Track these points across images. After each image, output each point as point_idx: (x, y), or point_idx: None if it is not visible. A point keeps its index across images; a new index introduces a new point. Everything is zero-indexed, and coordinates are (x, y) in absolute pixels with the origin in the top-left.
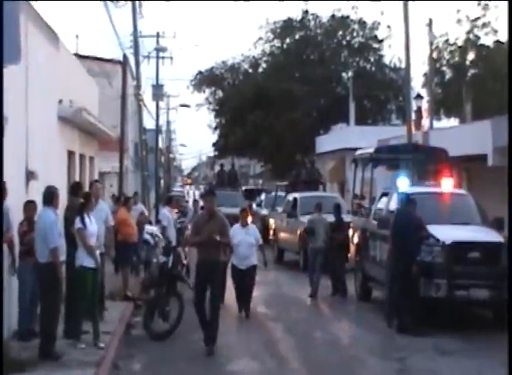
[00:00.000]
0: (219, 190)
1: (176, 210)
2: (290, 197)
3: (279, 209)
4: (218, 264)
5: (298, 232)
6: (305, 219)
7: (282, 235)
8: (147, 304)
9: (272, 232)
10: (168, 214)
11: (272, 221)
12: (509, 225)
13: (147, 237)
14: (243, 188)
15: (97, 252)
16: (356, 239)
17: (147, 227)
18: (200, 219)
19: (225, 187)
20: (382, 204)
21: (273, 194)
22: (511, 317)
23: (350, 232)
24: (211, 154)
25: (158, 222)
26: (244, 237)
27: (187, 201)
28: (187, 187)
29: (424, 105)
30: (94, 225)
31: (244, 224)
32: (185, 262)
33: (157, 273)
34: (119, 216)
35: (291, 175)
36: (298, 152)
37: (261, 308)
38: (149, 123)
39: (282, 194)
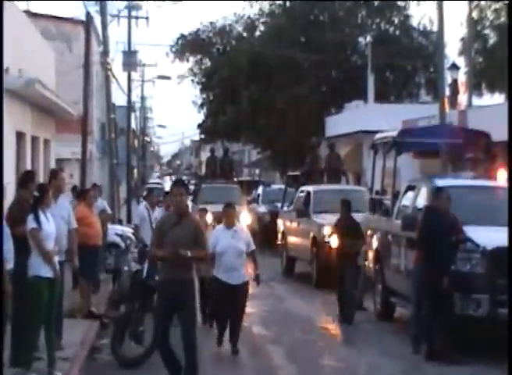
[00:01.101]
0: (210, 182)
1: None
2: (302, 191)
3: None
4: (188, 284)
5: (311, 235)
6: (320, 219)
7: (292, 240)
8: (115, 322)
9: (280, 236)
10: (143, 210)
11: (280, 222)
12: (509, 225)
13: (115, 239)
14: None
15: (56, 259)
16: (375, 243)
17: (117, 227)
18: (166, 221)
19: (216, 178)
20: (407, 200)
21: (273, 187)
22: (511, 319)
23: (368, 234)
24: (197, 137)
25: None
26: (231, 243)
27: (167, 194)
28: (167, 178)
29: (462, 77)
30: (52, 225)
31: (230, 225)
32: None
33: (128, 284)
34: (77, 213)
35: (305, 163)
36: (303, 136)
37: (258, 328)
38: (119, 98)
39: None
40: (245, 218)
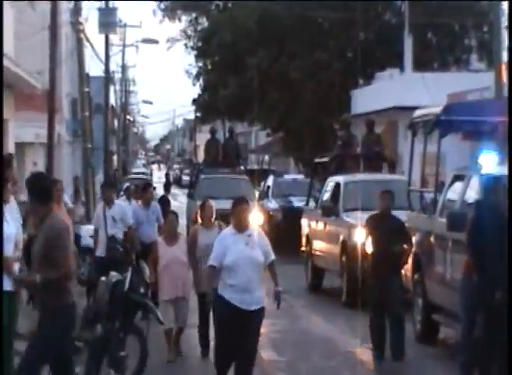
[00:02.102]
0: (211, 172)
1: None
2: (330, 182)
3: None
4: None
5: (340, 240)
6: (351, 218)
7: (318, 246)
8: (91, 346)
9: (304, 240)
10: (124, 206)
11: (304, 222)
12: (509, 223)
13: (90, 242)
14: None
15: (16, 268)
16: (414, 247)
17: (86, 228)
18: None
19: (219, 167)
20: (454, 193)
21: (286, 178)
22: (511, 318)
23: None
24: (191, 116)
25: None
26: (245, 252)
27: (155, 188)
28: (154, 166)
29: None
30: (11, 226)
31: (242, 228)
32: (149, 280)
33: (106, 299)
34: None
35: (336, 146)
36: (324, 113)
37: (268, 353)
38: (95, 68)
39: (298, 177)
40: (256, 217)
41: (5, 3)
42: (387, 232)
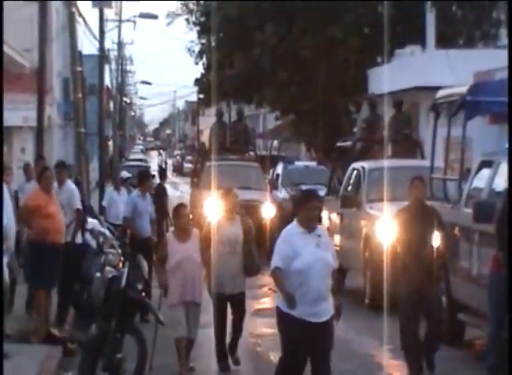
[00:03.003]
0: (218, 159)
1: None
2: (352, 169)
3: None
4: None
5: (363, 234)
6: (375, 209)
7: (339, 241)
8: (84, 348)
9: None
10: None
11: (324, 215)
12: (509, 221)
13: (85, 236)
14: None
15: (5, 260)
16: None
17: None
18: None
19: (227, 153)
20: (481, 180)
21: (297, 164)
22: (511, 321)
23: None
24: (194, 98)
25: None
26: (318, 255)
27: (153, 177)
28: (154, 152)
29: None
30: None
31: (312, 227)
32: (147, 276)
33: (101, 297)
34: (30, 199)
35: (360, 129)
36: (338, 94)
37: (278, 356)
38: (88, 45)
39: (310, 164)
40: (269, 209)
41: None
42: (421, 228)
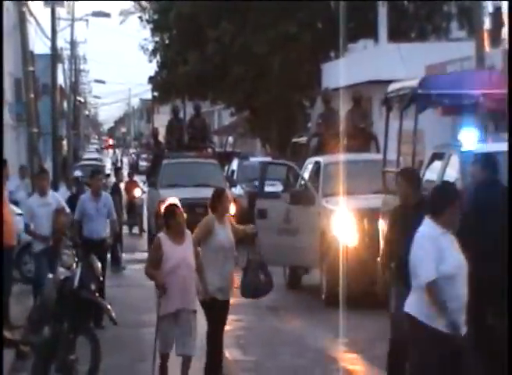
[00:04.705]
0: (175, 157)
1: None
2: (308, 164)
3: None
4: None
5: (319, 228)
6: (332, 204)
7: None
8: (37, 350)
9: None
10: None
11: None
12: (509, 221)
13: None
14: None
15: None
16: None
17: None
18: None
19: (184, 150)
20: (433, 172)
21: (252, 160)
22: (511, 318)
23: (381, 222)
24: (148, 95)
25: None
26: (460, 257)
27: (108, 176)
28: (108, 151)
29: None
30: None
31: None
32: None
33: (54, 298)
34: None
35: (317, 124)
36: (292, 90)
37: (234, 352)
38: (40, 45)
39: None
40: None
41: None
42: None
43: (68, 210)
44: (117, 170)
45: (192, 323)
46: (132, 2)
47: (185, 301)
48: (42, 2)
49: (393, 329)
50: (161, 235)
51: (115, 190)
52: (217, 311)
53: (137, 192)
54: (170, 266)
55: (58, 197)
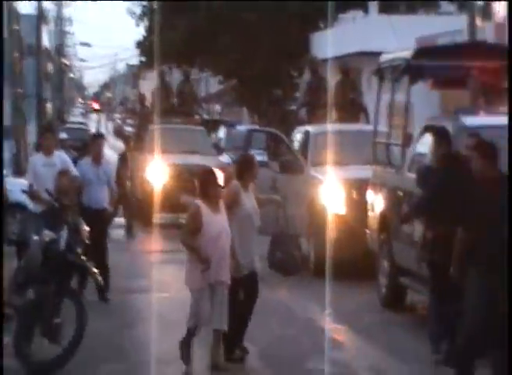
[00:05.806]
0: (162, 122)
1: None
2: (297, 134)
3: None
4: None
5: (308, 198)
6: (320, 173)
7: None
8: (21, 313)
9: None
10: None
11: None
12: (509, 221)
13: (21, 198)
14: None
15: None
16: (380, 205)
17: (23, 182)
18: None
19: (171, 116)
20: (424, 146)
21: (240, 129)
22: (511, 317)
23: (370, 193)
24: (135, 61)
25: None
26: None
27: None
28: (94, 115)
29: None
30: None
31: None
32: (87, 240)
33: (39, 260)
34: None
35: (304, 93)
36: (280, 58)
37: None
38: (26, 4)
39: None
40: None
41: None
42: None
43: (75, 173)
44: (127, 139)
45: (225, 298)
46: None
47: (222, 274)
48: None
49: (471, 321)
50: (199, 203)
51: (123, 158)
52: (249, 284)
53: None
54: (211, 236)
55: (66, 158)
